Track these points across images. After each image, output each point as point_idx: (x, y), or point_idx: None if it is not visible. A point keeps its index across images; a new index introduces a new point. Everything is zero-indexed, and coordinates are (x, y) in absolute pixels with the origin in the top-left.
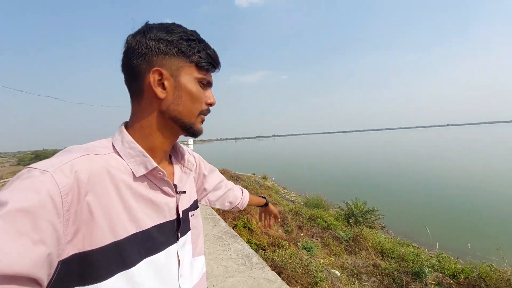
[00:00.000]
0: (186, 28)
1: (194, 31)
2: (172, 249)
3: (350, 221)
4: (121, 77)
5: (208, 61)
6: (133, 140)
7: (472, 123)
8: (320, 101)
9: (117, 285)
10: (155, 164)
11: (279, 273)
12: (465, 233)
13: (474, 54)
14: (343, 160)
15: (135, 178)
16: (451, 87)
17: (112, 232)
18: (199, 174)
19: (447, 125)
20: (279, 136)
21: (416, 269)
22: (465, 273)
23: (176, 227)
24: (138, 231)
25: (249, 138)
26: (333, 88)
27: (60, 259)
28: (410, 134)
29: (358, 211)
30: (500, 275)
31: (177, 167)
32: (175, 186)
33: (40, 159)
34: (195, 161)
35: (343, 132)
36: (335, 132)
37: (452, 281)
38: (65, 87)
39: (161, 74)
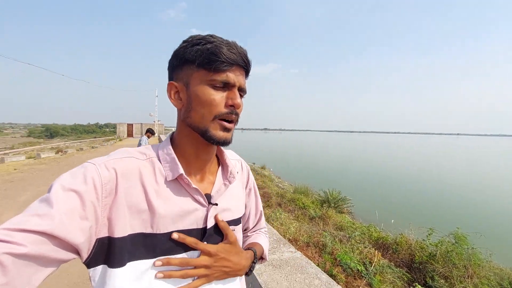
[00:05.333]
0: (199, 35)
1: (209, 35)
2: (193, 256)
3: (324, 205)
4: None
5: (212, 59)
6: (170, 148)
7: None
8: (329, 98)
9: (130, 273)
10: (182, 171)
11: None
12: (399, 214)
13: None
14: (338, 157)
15: (167, 182)
16: (459, 96)
17: (131, 226)
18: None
19: (458, 134)
20: (286, 130)
21: (349, 233)
22: (384, 239)
23: (202, 237)
24: (157, 232)
25: (256, 129)
26: (345, 86)
27: (97, 237)
28: (412, 138)
29: (332, 198)
30: (406, 241)
31: (219, 178)
32: (210, 196)
33: (50, 133)
34: (246, 175)
35: (350, 131)
36: (341, 131)
37: (372, 241)
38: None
39: (176, 86)
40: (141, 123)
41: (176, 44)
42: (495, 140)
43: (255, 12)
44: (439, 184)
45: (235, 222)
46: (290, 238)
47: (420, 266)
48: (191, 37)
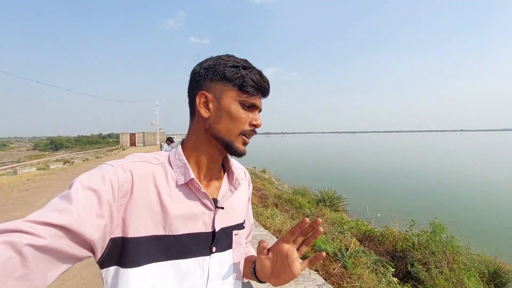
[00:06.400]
0: (236, 58)
1: (244, 60)
2: (202, 260)
3: (320, 204)
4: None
5: (249, 84)
6: (182, 153)
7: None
8: (329, 100)
9: (142, 275)
10: (193, 176)
11: None
12: (384, 208)
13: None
14: (337, 158)
15: (178, 186)
16: (466, 91)
17: (145, 228)
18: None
19: (461, 130)
20: (288, 133)
21: (339, 228)
22: (371, 231)
23: (211, 240)
24: (169, 234)
25: (258, 134)
26: (347, 88)
27: (111, 236)
28: (410, 137)
29: (327, 197)
30: (391, 233)
31: (225, 184)
32: (216, 201)
33: (55, 145)
34: (247, 183)
35: (352, 132)
36: (343, 132)
37: (360, 234)
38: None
39: (206, 96)
40: (143, 132)
41: (176, 53)
42: (503, 135)
43: (253, 18)
44: (428, 179)
45: (239, 226)
46: (275, 229)
47: (402, 255)
48: (228, 56)
